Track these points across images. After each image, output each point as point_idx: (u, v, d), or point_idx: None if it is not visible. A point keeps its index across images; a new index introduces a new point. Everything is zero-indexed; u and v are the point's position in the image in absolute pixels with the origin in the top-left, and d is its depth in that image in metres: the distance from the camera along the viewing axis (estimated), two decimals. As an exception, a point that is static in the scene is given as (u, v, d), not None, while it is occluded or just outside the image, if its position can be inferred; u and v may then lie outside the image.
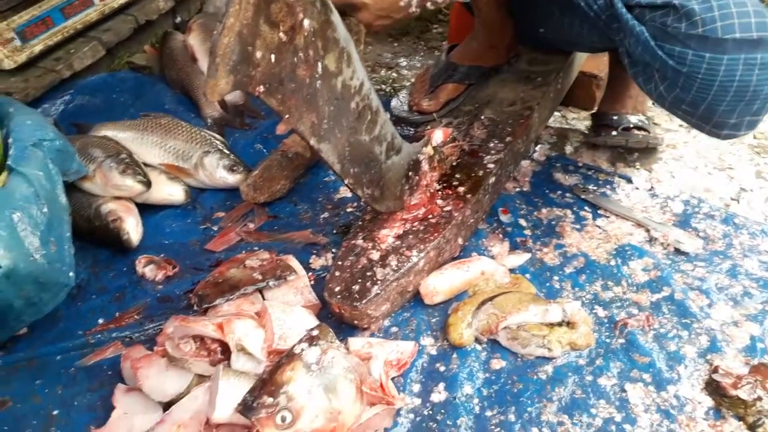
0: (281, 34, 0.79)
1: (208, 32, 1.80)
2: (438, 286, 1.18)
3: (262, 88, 0.79)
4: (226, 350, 1.00)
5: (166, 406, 0.97)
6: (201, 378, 1.00)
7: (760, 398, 0.97)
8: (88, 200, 1.34)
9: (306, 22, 0.82)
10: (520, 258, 1.27)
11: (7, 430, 0.99)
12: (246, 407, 0.90)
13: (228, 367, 0.98)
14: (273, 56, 0.79)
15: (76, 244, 1.17)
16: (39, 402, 1.03)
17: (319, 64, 0.87)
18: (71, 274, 1.11)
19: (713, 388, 1.01)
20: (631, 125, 1.55)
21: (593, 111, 1.68)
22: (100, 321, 1.17)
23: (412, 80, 1.93)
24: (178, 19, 2.05)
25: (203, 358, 1.00)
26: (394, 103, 1.65)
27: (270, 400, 0.89)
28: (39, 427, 0.99)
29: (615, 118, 1.56)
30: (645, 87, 1.14)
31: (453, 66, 1.59)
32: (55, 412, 1.02)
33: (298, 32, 0.81)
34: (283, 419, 0.88)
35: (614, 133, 1.53)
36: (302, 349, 0.95)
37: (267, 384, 0.91)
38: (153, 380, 0.99)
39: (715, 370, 1.03)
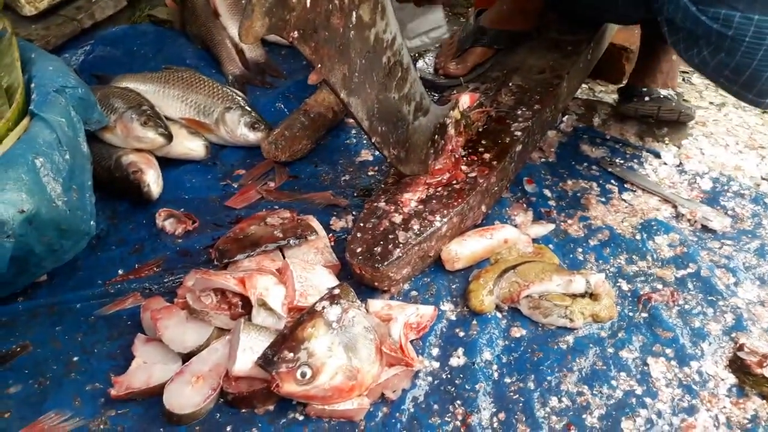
0: (318, -21, 0.76)
1: (230, -12, 1.76)
2: (460, 252, 1.16)
3: (296, 34, 0.76)
4: (246, 305, 1.00)
5: (186, 357, 0.98)
6: (221, 331, 1.00)
7: (784, 378, 0.96)
8: (109, 151, 1.32)
9: (343, -32, 0.79)
10: (544, 228, 1.25)
11: (29, 374, 0.99)
12: (266, 361, 0.90)
13: (249, 321, 0.97)
14: (308, 1, 0.76)
15: (96, 195, 1.16)
16: (59, 348, 1.03)
17: (354, 13, 0.85)
18: (92, 222, 1.11)
19: (737, 365, 0.99)
20: (662, 97, 1.51)
21: (621, 85, 1.64)
22: (120, 272, 1.17)
23: (438, 45, 1.89)
24: (201, -26, 2.00)
25: (224, 312, 0.99)
26: (420, 64, 1.62)
27: (291, 355, 0.89)
28: (60, 372, 1.00)
29: (644, 90, 1.52)
30: (686, 54, 1.10)
31: (482, 29, 1.55)
32: (76, 359, 1.02)
33: (334, -22, 0.78)
34: (303, 375, 0.88)
35: (647, 98, 1.49)
36: (323, 307, 0.94)
37: (288, 339, 0.91)
38: (172, 331, 0.99)
39: (741, 348, 1.01)
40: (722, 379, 0.99)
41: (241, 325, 0.94)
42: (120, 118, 1.31)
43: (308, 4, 0.76)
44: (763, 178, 1.41)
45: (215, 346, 0.97)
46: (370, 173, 1.41)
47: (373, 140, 1.03)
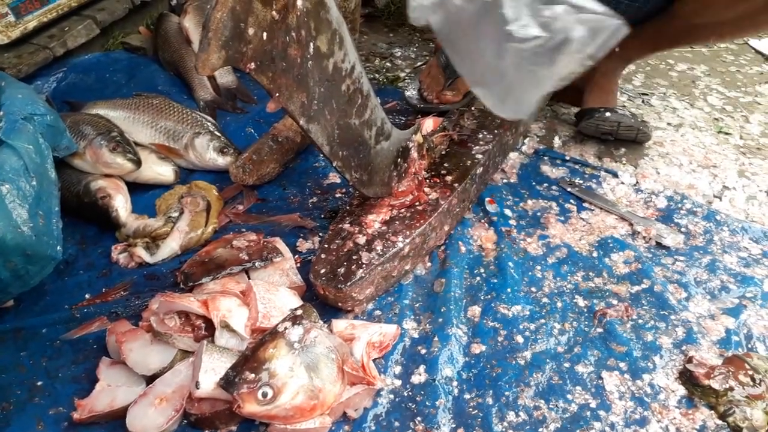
0: (274, 13, 0.79)
1: (203, 15, 1.80)
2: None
3: (253, 65, 0.80)
4: (210, 327, 1.02)
5: (150, 379, 0.99)
6: (184, 353, 1.01)
7: (731, 388, 1.00)
8: (78, 177, 1.34)
9: (299, 2, 0.83)
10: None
11: (-8, 399, 1.00)
12: (228, 382, 0.91)
13: (211, 343, 0.99)
14: (265, 34, 0.79)
15: (65, 220, 1.18)
16: (24, 372, 1.04)
17: (311, 44, 0.88)
18: (59, 248, 1.12)
19: (687, 377, 1.03)
20: (620, 114, 1.58)
21: (579, 109, 1.69)
22: (87, 296, 1.18)
23: (407, 71, 1.95)
24: (174, 1, 2.04)
25: (187, 334, 1.01)
26: (409, 94, 1.68)
27: (252, 375, 0.91)
28: (23, 397, 1.00)
29: (602, 109, 1.58)
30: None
31: None
32: (40, 383, 1.02)
33: (291, 11, 0.82)
34: (264, 395, 0.90)
35: (608, 114, 1.55)
36: (285, 328, 0.96)
37: (249, 360, 0.93)
38: (137, 354, 1.00)
39: (690, 360, 1.05)
40: (673, 391, 1.03)
41: (203, 347, 0.96)
42: (89, 145, 1.33)
43: (265, 37, 0.80)
44: (715, 196, 1.47)
45: (179, 368, 0.98)
46: (338, 195, 1.44)
47: (334, 164, 1.06)
